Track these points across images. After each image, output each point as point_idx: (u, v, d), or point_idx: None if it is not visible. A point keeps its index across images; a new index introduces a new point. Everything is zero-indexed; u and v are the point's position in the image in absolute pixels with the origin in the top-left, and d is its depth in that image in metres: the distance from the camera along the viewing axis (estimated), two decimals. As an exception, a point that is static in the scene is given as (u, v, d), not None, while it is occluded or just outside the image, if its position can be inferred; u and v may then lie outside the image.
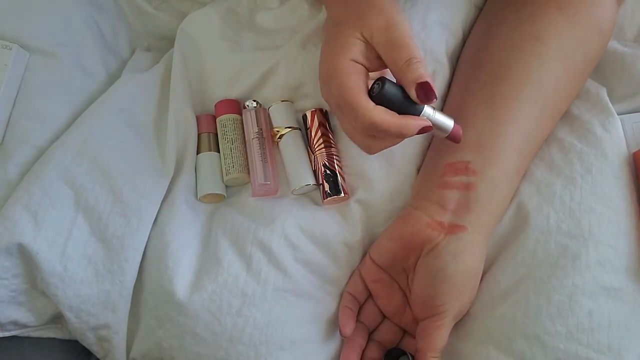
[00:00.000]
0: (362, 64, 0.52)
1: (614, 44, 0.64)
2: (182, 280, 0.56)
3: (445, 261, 0.53)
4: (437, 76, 0.62)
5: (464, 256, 0.53)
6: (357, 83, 0.51)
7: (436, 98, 0.50)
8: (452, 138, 0.54)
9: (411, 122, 0.50)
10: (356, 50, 0.52)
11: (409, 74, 0.50)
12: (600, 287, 0.52)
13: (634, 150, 0.58)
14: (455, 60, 0.65)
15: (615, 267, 0.53)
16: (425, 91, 0.50)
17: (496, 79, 0.57)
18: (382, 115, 0.49)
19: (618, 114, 0.59)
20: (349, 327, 0.57)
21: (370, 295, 0.59)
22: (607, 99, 0.60)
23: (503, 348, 0.52)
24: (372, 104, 0.50)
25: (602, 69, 0.63)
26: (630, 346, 0.50)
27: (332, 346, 0.58)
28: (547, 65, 0.56)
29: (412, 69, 0.50)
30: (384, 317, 0.59)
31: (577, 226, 0.54)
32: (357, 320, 0.58)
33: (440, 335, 0.53)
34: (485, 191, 0.54)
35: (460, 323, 0.56)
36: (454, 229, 0.54)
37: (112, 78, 0.68)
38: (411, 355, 0.56)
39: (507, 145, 0.55)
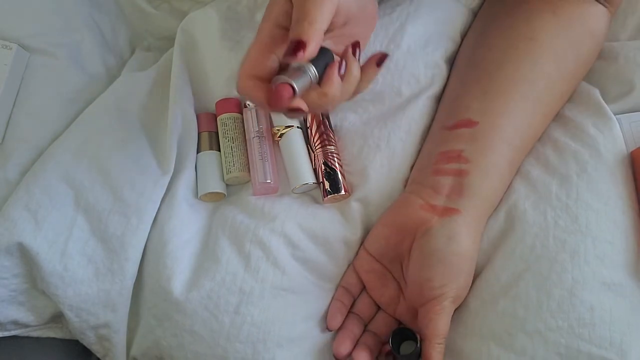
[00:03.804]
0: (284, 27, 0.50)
1: (606, 44, 0.64)
2: (180, 279, 0.56)
3: (440, 242, 0.53)
4: (435, 80, 0.63)
5: (459, 238, 0.53)
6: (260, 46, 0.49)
7: (301, 52, 0.46)
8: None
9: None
10: (278, 10, 0.50)
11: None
12: (600, 282, 0.51)
13: (632, 149, 0.58)
14: (453, 63, 0.66)
15: (614, 263, 0.53)
16: (294, 47, 0.46)
17: (490, 75, 0.59)
18: (246, 83, 0.48)
19: (615, 114, 0.60)
20: (336, 320, 0.57)
21: (364, 287, 0.59)
22: (599, 98, 0.61)
23: (504, 344, 0.51)
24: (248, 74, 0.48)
25: (596, 69, 0.64)
26: (632, 341, 0.49)
27: (331, 343, 0.58)
28: (540, 65, 0.58)
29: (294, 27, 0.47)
30: (379, 308, 0.59)
31: (574, 222, 0.54)
32: (352, 312, 0.58)
33: (442, 320, 0.53)
34: (478, 178, 0.55)
35: (460, 319, 0.55)
36: (447, 211, 0.54)
37: (112, 78, 0.68)
38: (417, 336, 0.55)
39: (498, 137, 0.56)
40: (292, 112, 0.47)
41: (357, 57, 0.50)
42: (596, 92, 0.61)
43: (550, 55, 0.58)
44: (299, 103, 0.47)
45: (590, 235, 0.53)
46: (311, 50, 0.46)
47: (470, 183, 0.55)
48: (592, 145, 0.57)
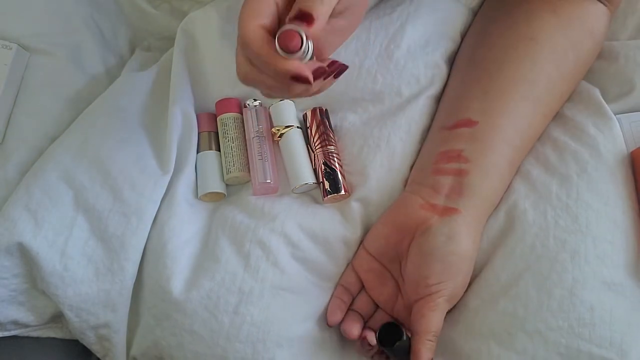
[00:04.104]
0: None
1: (606, 44, 0.65)
2: (179, 279, 0.56)
3: (439, 242, 0.53)
4: (435, 80, 0.63)
5: (459, 238, 0.54)
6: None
7: (308, 25, 0.43)
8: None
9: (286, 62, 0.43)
10: None
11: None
12: (600, 281, 0.52)
13: (632, 149, 0.58)
14: (453, 62, 0.66)
15: (615, 262, 0.53)
16: (302, 15, 0.43)
17: (491, 75, 0.59)
18: (250, 27, 0.44)
19: (615, 114, 0.60)
20: (335, 316, 0.57)
21: (363, 287, 0.59)
22: (600, 98, 0.61)
23: (504, 343, 0.52)
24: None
25: (596, 69, 0.64)
26: (633, 341, 0.49)
27: (330, 343, 0.58)
28: (540, 65, 0.58)
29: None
30: (377, 307, 0.59)
31: (575, 222, 0.54)
32: (352, 309, 0.58)
33: (434, 316, 0.53)
34: (478, 177, 0.55)
35: (460, 319, 0.56)
36: (447, 211, 0.55)
37: (112, 78, 0.68)
38: (406, 332, 0.54)
39: (499, 137, 0.56)
40: (296, 79, 0.44)
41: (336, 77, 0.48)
42: (596, 92, 0.61)
43: (550, 55, 0.58)
44: (307, 71, 0.44)
45: (591, 235, 0.53)
46: (318, 27, 0.43)
47: (470, 183, 0.55)
48: (592, 145, 0.58)
